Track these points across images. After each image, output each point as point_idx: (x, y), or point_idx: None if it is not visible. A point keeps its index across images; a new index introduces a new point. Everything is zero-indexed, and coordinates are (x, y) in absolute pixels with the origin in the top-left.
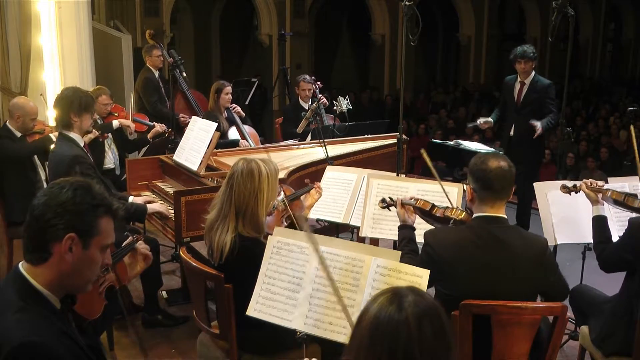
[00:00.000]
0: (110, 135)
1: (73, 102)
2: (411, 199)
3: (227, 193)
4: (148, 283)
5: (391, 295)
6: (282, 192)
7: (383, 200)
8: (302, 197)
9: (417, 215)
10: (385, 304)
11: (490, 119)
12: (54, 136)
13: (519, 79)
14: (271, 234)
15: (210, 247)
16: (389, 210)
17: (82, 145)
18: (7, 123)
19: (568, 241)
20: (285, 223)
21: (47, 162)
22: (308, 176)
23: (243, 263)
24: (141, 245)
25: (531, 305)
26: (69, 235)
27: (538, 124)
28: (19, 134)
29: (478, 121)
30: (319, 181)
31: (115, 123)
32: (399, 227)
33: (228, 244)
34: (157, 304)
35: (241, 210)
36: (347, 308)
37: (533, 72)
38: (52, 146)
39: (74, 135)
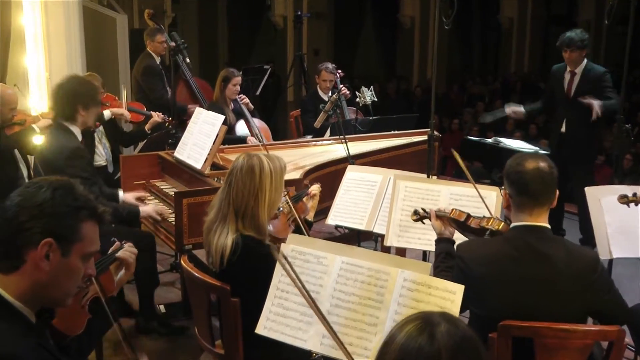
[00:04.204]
0: (101, 127)
1: (81, 95)
2: (445, 210)
3: (226, 191)
4: (143, 283)
5: (421, 323)
6: (285, 194)
7: (416, 212)
8: (304, 199)
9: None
10: (414, 333)
11: (521, 109)
12: (36, 127)
13: (568, 68)
14: (279, 238)
15: (208, 251)
16: (423, 223)
17: (80, 140)
18: None
19: (626, 255)
20: (292, 226)
21: (35, 155)
22: (327, 176)
23: (247, 266)
24: (128, 252)
25: (581, 328)
26: (45, 240)
27: (595, 103)
28: None
29: (506, 109)
30: (339, 183)
31: (107, 113)
32: (435, 241)
33: (229, 246)
34: (153, 308)
35: (240, 210)
36: (344, 345)
37: (585, 60)
38: (34, 137)
39: (74, 128)
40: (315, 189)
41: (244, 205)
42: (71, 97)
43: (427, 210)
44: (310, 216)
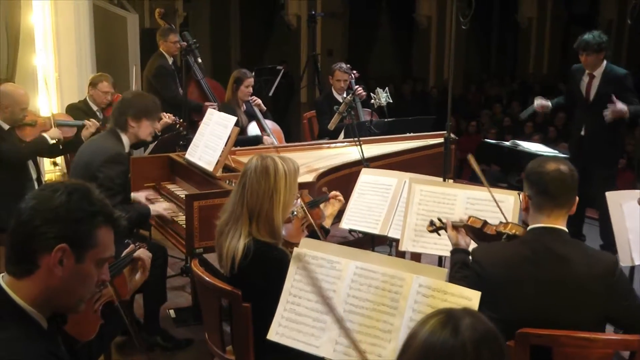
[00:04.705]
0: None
1: (131, 106)
2: (462, 220)
3: (239, 193)
4: (150, 297)
5: (444, 317)
6: (299, 199)
7: (432, 223)
8: (322, 206)
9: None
10: (437, 328)
11: (548, 103)
12: (48, 136)
13: (587, 71)
14: (291, 243)
15: (219, 255)
16: (439, 234)
17: (127, 150)
18: None
19: None
20: (306, 232)
21: (79, 152)
22: (341, 180)
23: (259, 271)
24: (143, 254)
25: (602, 337)
26: (60, 246)
27: (621, 107)
28: (6, 126)
29: (535, 102)
30: (353, 186)
31: None
32: (451, 252)
33: (240, 249)
34: (158, 323)
35: (254, 212)
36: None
37: (604, 63)
38: (46, 136)
39: (125, 138)
40: (333, 200)
41: (259, 206)
42: (123, 107)
43: (443, 220)
44: (327, 223)
